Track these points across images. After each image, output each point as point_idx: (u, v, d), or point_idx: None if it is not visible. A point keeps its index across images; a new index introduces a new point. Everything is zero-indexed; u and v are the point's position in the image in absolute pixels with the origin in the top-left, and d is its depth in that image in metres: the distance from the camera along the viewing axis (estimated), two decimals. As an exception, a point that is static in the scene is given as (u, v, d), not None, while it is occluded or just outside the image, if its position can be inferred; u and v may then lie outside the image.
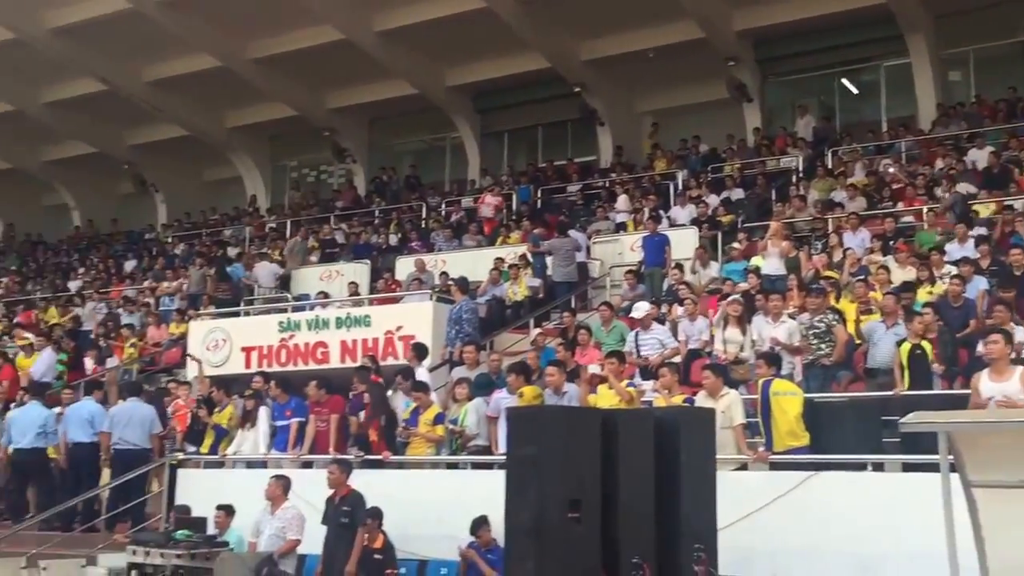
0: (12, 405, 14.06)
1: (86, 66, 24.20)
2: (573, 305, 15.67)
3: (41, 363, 15.93)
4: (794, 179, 19.16)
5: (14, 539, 11.53)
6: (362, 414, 11.21)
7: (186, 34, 22.73)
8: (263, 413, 11.84)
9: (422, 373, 12.02)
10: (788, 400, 8.93)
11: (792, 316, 11.14)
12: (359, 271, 19.48)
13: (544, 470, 6.51)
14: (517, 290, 16.15)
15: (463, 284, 15.13)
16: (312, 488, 10.11)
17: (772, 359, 9.62)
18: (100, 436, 12.46)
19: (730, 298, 11.97)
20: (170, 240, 26.03)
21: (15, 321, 20.78)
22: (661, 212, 18.27)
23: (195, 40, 23.04)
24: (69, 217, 30.47)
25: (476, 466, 10.71)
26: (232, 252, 21.96)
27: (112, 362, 16.95)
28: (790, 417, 8.80)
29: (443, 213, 22.69)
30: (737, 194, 19.05)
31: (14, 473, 13.04)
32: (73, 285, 23.32)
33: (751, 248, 15.15)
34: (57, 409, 13.23)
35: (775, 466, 8.88)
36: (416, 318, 14.50)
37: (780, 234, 14.21)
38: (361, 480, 9.95)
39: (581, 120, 24.47)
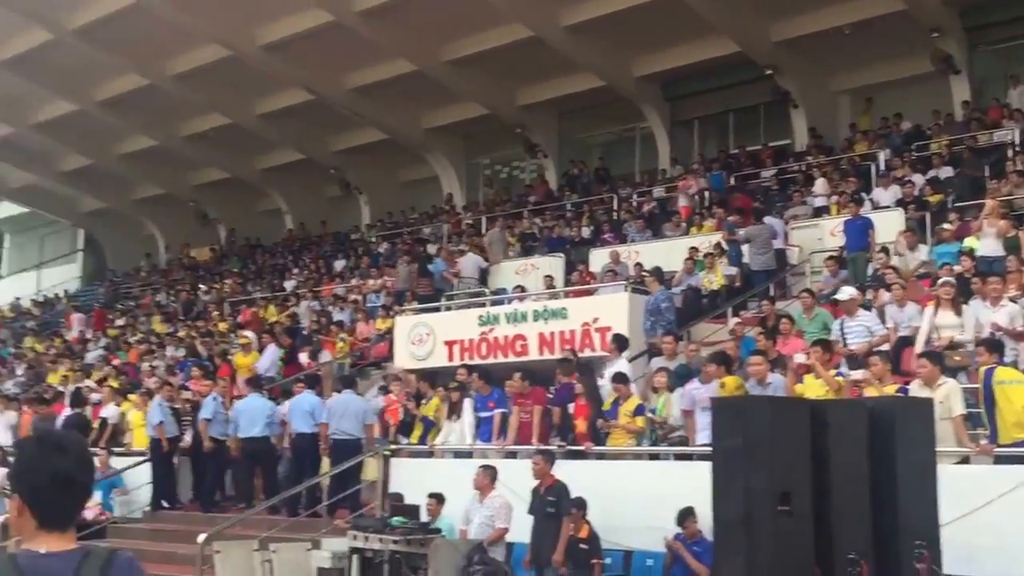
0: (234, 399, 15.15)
1: (294, 78, 25.59)
2: (771, 293, 15.33)
3: (266, 359, 17.06)
4: (1010, 153, 17.98)
5: (246, 523, 12.41)
6: (571, 406, 11.40)
7: (383, 42, 23.62)
8: (467, 404, 12.25)
9: (622, 364, 12.10)
10: (1014, 389, 8.46)
11: (1014, 300, 10.52)
12: (554, 264, 19.73)
13: (752, 462, 6.43)
14: (713, 279, 15.95)
15: (658, 274, 15.11)
16: (517, 478, 10.37)
17: (994, 346, 9.14)
18: (320, 427, 13.23)
19: (941, 280, 11.43)
20: (374, 240, 27.17)
21: (237, 321, 22.27)
22: (863, 194, 17.57)
23: (392, 47, 23.90)
24: (282, 221, 32.25)
25: (678, 457, 10.71)
26: (431, 249, 22.71)
27: (324, 357, 17.89)
28: (1017, 407, 8.34)
29: (635, 204, 22.66)
30: (946, 172, 18.08)
31: (244, 460, 14.04)
32: (288, 285, 24.74)
33: (964, 229, 14.37)
34: (287, 403, 14.13)
35: (1001, 459, 8.43)
36: (612, 309, 14.55)
37: (997, 212, 13.42)
38: (565, 471, 10.14)
39: (773, 103, 23.80)
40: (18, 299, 34.23)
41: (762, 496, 6.37)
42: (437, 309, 17.48)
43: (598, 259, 19.02)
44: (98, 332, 26.55)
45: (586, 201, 23.93)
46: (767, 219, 16.93)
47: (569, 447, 10.98)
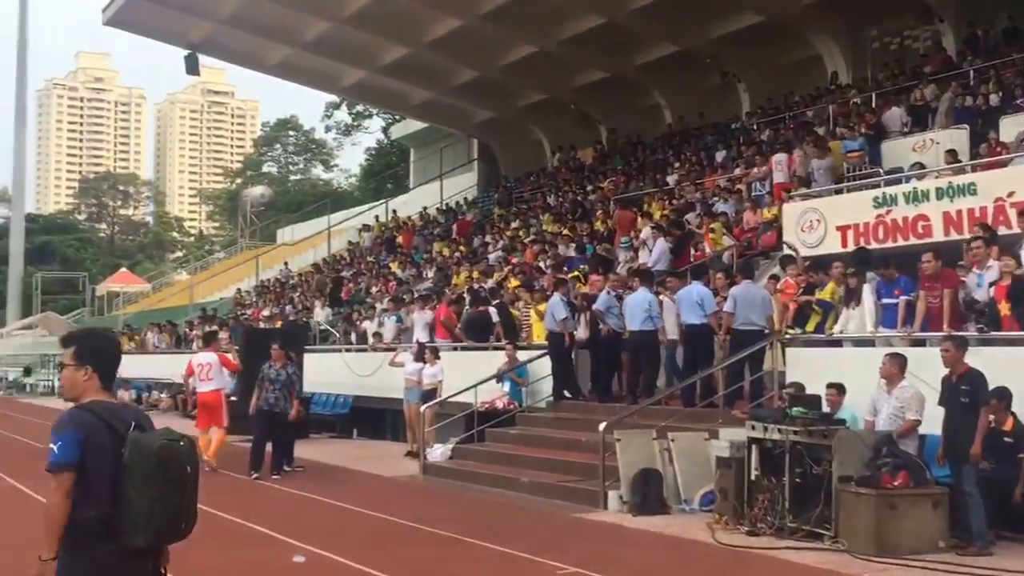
0: (623, 292, 15.50)
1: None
2: None
3: (656, 252, 17.34)
4: None
5: (644, 412, 12.78)
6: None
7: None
8: (867, 290, 11.63)
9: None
10: None
11: None
12: (956, 137, 18.02)
13: None
14: None
15: (1087, 139, 13.27)
16: (927, 367, 9.72)
17: None
18: (710, 317, 13.21)
19: None
20: (755, 127, 26.34)
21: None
22: None
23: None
24: (661, 116, 32.15)
25: None
26: (819, 131, 21.57)
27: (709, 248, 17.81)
28: None
29: (1054, 62, 19.97)
30: None
31: (630, 353, 14.45)
32: (671, 179, 24.77)
33: None
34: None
35: None
36: (1030, 181, 13.08)
37: None
38: (982, 358, 9.33)
39: None
40: (425, 208, 37.51)
41: None
42: (829, 193, 16.66)
43: (1010, 128, 17.08)
44: (459, 237, 29.26)
45: (991, 65, 21.42)
46: None
47: (989, 333, 10.05)
